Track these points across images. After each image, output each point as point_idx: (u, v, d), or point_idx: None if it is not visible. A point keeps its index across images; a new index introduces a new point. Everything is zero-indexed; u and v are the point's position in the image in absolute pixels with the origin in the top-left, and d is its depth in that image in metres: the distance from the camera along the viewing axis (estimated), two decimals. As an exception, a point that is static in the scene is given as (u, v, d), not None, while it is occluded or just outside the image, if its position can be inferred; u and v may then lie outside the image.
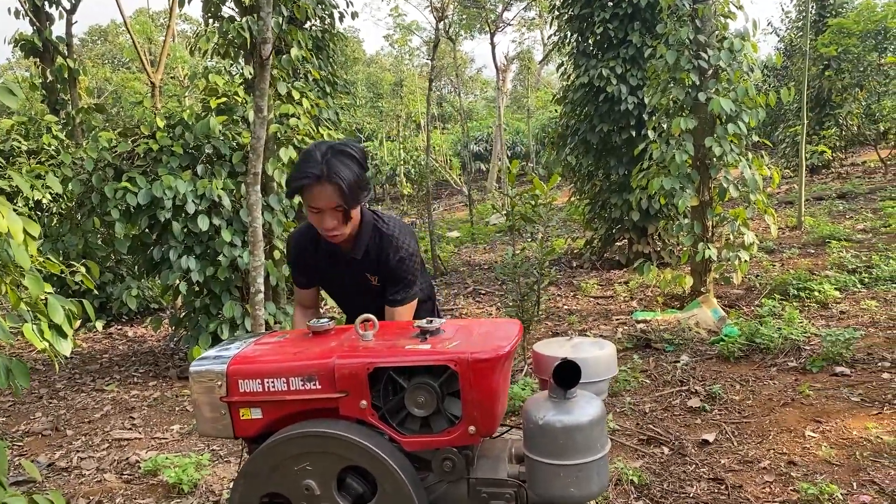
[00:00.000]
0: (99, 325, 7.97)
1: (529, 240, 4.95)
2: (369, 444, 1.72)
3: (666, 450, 3.74)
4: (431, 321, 1.89)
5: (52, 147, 8.09)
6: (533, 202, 4.87)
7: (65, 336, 2.53)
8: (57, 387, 6.12)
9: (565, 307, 7.20)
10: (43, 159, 7.56)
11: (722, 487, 3.29)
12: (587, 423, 1.62)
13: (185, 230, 5.71)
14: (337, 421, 1.79)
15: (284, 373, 1.80)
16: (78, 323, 2.66)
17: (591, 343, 1.98)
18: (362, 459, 1.73)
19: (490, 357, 1.71)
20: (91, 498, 3.77)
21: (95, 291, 8.13)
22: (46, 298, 2.51)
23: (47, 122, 8.03)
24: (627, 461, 3.59)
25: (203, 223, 5.65)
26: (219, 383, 1.84)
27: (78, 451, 4.51)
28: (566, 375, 1.63)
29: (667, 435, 3.90)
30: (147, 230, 5.82)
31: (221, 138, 5.96)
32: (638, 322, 6.18)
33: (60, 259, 6.21)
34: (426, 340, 1.83)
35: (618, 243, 9.43)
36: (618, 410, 4.32)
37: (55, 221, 7.31)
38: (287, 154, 5.87)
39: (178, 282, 5.78)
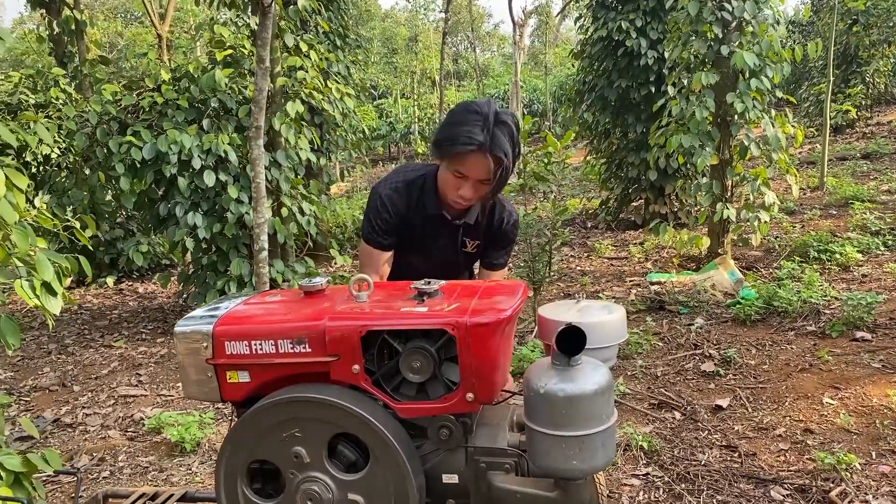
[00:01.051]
0: (110, 280, 7.96)
1: (542, 199, 4.80)
2: (361, 411, 1.62)
3: (678, 415, 3.65)
4: (430, 282, 1.77)
5: (60, 100, 7.98)
6: (546, 160, 4.71)
7: (54, 294, 2.44)
8: (66, 342, 6.11)
9: (578, 268, 7.07)
10: (51, 113, 7.47)
11: (735, 455, 3.19)
12: (592, 393, 1.51)
13: (192, 186, 5.62)
14: (328, 386, 1.69)
15: (273, 335, 1.70)
16: (69, 280, 2.56)
17: (599, 307, 1.85)
18: (354, 426, 1.64)
19: (489, 321, 1.60)
20: (94, 454, 3.75)
21: (102, 248, 8.11)
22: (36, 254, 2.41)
23: (55, 75, 7.90)
24: (637, 426, 3.50)
25: (209, 179, 5.55)
26: (205, 345, 1.74)
27: (84, 407, 4.49)
28: (570, 341, 1.52)
29: (679, 399, 3.81)
30: (154, 185, 5.73)
31: (228, 92, 5.82)
32: (652, 284, 6.05)
33: (69, 214, 6.16)
34: (423, 303, 1.72)
35: (634, 203, 9.23)
36: (629, 374, 4.22)
37: (63, 176, 7.22)
38: (294, 108, 5.72)
39: (184, 238, 5.70)
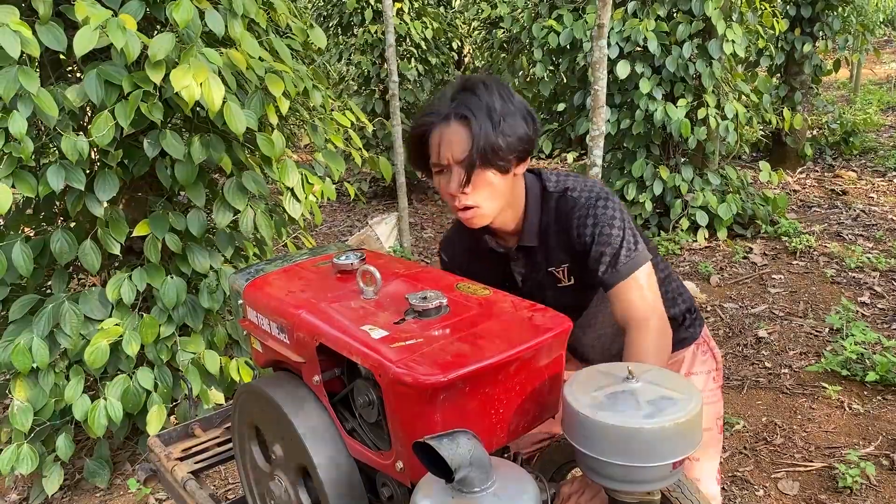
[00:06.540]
0: (570, 157, 8.25)
1: None
2: (306, 438, 1.33)
3: None
4: (427, 297, 1.30)
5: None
6: None
7: (298, 200, 2.59)
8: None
9: None
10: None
11: None
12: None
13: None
14: (299, 389, 1.44)
15: (268, 312, 1.50)
16: (315, 189, 2.70)
17: (650, 398, 1.10)
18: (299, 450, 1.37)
19: (411, 381, 1.11)
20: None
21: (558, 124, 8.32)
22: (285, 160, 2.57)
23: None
24: None
25: (623, 70, 5.10)
26: (240, 301, 1.65)
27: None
28: (436, 457, 0.96)
29: None
30: (572, 74, 5.56)
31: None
32: None
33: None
34: (400, 324, 1.29)
35: None
36: None
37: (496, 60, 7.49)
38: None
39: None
